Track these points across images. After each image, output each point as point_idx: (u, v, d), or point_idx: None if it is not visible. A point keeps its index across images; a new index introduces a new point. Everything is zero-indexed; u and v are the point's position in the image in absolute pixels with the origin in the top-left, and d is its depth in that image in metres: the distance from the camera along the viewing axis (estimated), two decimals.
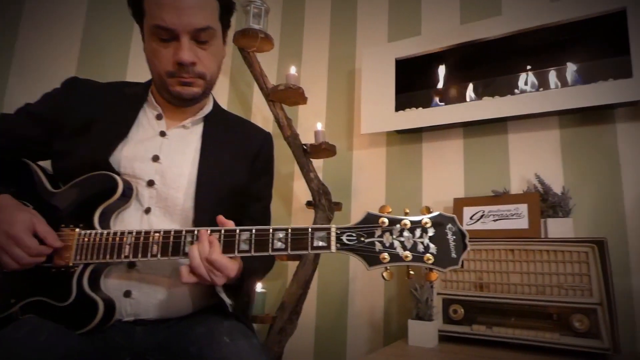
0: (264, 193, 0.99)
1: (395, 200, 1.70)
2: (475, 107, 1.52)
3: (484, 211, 1.43)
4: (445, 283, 1.33)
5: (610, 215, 1.34)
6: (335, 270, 1.76)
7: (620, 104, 1.34)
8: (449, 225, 0.68)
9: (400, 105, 1.68)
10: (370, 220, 0.68)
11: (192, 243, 0.71)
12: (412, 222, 0.67)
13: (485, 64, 1.63)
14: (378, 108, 1.71)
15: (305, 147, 1.64)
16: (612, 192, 1.35)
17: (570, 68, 1.44)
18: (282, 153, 1.92)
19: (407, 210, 0.70)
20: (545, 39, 1.51)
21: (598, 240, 1.14)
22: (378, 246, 0.67)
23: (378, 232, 0.68)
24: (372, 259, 0.67)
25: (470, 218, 1.45)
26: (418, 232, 0.67)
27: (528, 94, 1.46)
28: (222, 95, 2.19)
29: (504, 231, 1.36)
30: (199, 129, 0.91)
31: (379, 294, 1.66)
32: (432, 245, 0.67)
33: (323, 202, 1.61)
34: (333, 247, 0.68)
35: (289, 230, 0.69)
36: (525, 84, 1.50)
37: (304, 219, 1.83)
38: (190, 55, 0.79)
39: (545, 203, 1.35)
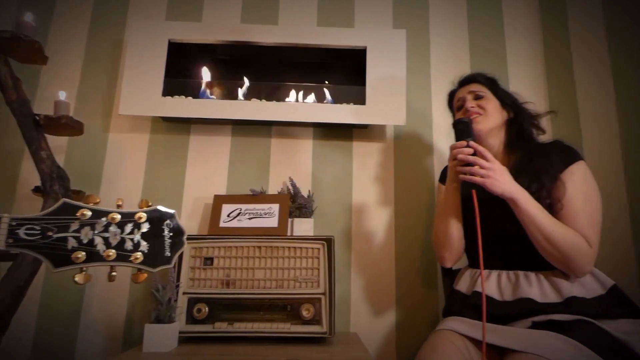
0: None
1: (153, 192, 1.56)
2: (244, 106, 1.54)
3: (241, 209, 1.46)
4: (192, 281, 1.28)
5: (341, 217, 1.58)
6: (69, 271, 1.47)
7: (356, 125, 1.61)
8: (167, 222, 0.62)
9: (168, 91, 1.55)
10: (66, 211, 0.56)
11: None
12: (122, 215, 0.58)
13: (259, 68, 1.69)
14: (143, 89, 1.53)
15: (37, 119, 1.31)
16: (344, 198, 1.60)
17: (327, 87, 1.65)
18: (10, 123, 1.49)
19: (120, 202, 0.61)
20: (310, 58, 1.68)
21: (327, 238, 1.31)
22: (72, 243, 0.55)
23: (75, 226, 0.56)
24: (60, 258, 0.54)
25: (228, 215, 1.45)
26: (129, 227, 0.59)
27: (291, 103, 1.58)
28: None
29: (257, 229, 1.41)
30: None
31: (122, 297, 1.47)
32: (143, 243, 0.59)
33: (56, 188, 1.31)
34: (1, 243, 0.51)
35: None
36: (290, 93, 1.63)
37: (31, 208, 1.46)
38: None
39: (294, 204, 1.48)
